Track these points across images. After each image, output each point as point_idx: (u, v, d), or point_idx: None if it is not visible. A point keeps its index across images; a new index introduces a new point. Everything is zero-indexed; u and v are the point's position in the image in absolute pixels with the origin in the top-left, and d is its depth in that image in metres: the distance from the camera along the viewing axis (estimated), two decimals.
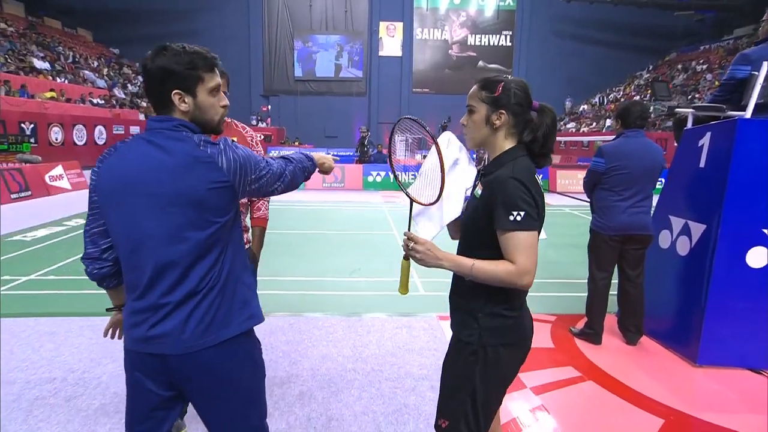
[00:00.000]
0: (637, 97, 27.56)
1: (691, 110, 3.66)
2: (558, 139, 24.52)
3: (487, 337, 1.52)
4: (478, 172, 1.64)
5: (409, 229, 1.59)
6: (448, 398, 1.61)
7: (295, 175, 1.58)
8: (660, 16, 29.31)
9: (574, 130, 26.76)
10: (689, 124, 3.65)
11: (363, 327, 3.86)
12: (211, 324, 1.40)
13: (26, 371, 3.03)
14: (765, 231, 3.16)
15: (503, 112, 1.50)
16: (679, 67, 27.46)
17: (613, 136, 3.55)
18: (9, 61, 17.40)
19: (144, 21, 28.06)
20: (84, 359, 3.20)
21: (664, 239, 3.66)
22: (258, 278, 5.03)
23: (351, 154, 22.64)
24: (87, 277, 1.54)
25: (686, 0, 27.14)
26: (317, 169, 1.78)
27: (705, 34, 28.94)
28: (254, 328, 1.53)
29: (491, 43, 31.56)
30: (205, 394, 1.47)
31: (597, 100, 29.95)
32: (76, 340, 3.49)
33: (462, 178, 1.76)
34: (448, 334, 3.62)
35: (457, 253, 1.58)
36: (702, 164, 3.35)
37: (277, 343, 3.54)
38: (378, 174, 13.69)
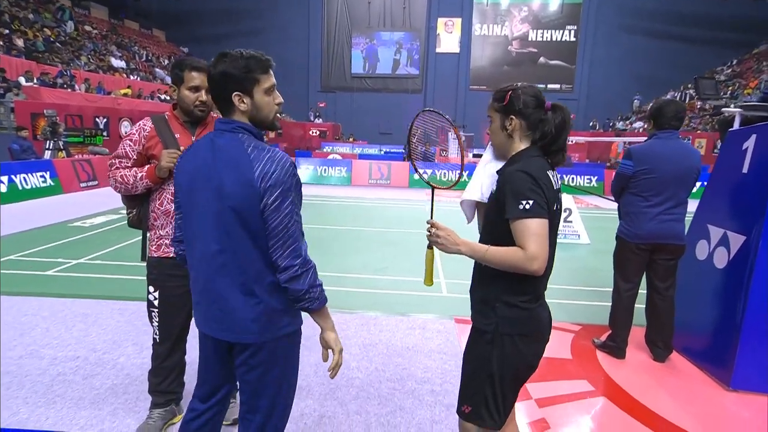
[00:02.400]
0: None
1: (738, 110, 3.34)
2: (621, 139, 23.36)
3: (504, 326, 1.61)
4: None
5: (431, 218, 1.72)
6: (468, 384, 1.72)
7: (313, 281, 1.54)
8: (746, 6, 26.97)
9: (641, 129, 25.23)
10: (736, 125, 3.33)
11: (376, 326, 3.85)
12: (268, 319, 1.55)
13: (55, 348, 3.26)
14: None
15: (513, 117, 1.61)
16: (766, 62, 25.13)
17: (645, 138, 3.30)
18: (91, 60, 18.86)
19: (211, 20, 29.51)
20: (108, 341, 3.41)
21: (702, 250, 3.36)
22: None
23: (402, 150, 22.66)
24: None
25: None
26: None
27: None
28: None
29: (554, 39, 30.38)
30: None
31: (670, 96, 28.05)
32: (105, 322, 3.72)
33: (490, 168, 1.83)
34: (462, 337, 3.56)
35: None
36: (745, 169, 3.05)
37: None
38: (424, 172, 13.57)
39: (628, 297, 3.29)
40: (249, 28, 29.41)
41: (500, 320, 1.61)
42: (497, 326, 1.61)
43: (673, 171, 3.04)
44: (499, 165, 1.72)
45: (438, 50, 30.29)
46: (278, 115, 1.62)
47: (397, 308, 4.25)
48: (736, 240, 3.03)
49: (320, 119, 27.77)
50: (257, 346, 1.54)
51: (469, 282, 1.78)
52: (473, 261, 1.69)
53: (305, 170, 13.71)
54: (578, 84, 30.75)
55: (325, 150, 21.00)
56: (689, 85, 27.78)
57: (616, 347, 3.36)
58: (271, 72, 1.52)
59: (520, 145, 1.65)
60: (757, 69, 25.12)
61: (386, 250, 6.39)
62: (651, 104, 25.64)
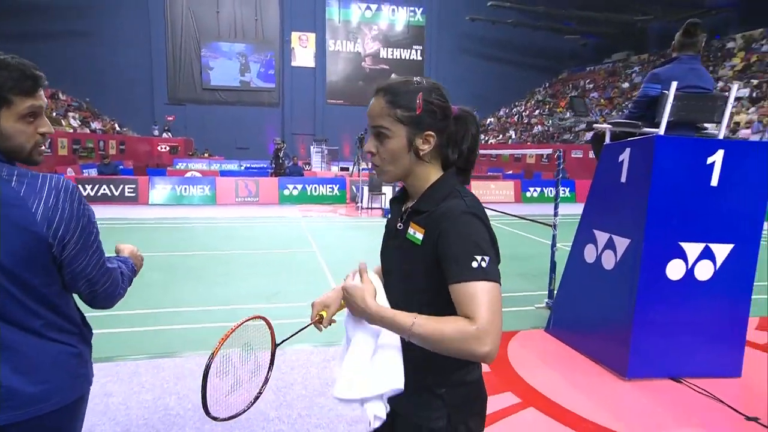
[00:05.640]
0: (537, 112, 29.71)
1: (608, 126, 3.75)
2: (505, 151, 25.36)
3: (456, 415, 1.19)
4: (406, 210, 1.25)
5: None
6: None
7: (123, 280, 1.37)
8: (552, 39, 31.96)
9: (483, 142, 28.07)
10: (607, 140, 3.73)
11: (286, 363, 3.47)
12: None
13: None
14: (681, 244, 3.26)
15: (431, 133, 1.17)
16: (570, 85, 30.01)
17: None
18: None
19: (18, 15, 24.90)
20: None
21: (590, 253, 3.69)
22: (160, 310, 4.47)
23: (265, 166, 21.87)
24: None
25: (572, 25, 29.97)
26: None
27: (589, 57, 32.13)
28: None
29: (403, 57, 32.33)
30: None
31: (502, 113, 31.75)
32: None
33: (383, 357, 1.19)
34: None
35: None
36: (623, 179, 3.41)
37: (185, 390, 3.04)
38: (294, 187, 13.18)
39: None
40: (73, 29, 25.74)
41: (452, 410, 1.19)
42: (449, 418, 1.18)
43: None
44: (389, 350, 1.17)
45: (294, 64, 30.07)
46: (40, 148, 1.21)
47: (301, 339, 3.89)
48: (622, 243, 3.37)
49: (169, 134, 25.41)
50: None
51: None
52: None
53: (162, 190, 12.29)
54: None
55: (178, 167, 19.24)
56: (516, 103, 31.86)
57: None
58: (39, 92, 1.16)
59: (433, 170, 1.22)
60: (563, 92, 29.86)
61: (274, 274, 5.94)
62: (489, 118, 28.50)
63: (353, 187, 13.38)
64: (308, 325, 1.36)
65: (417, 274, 1.17)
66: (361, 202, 12.06)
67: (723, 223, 3.29)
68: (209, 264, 6.37)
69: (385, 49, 31.97)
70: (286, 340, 1.35)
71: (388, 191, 11.98)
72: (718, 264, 3.32)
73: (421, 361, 1.17)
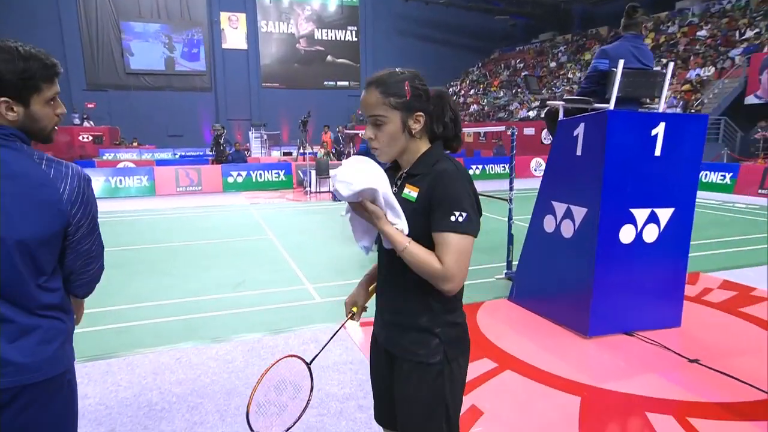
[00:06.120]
0: (472, 92, 30.49)
1: (561, 102, 3.97)
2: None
3: (451, 351, 1.40)
4: (401, 176, 1.44)
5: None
6: (424, 429, 1.44)
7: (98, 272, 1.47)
8: (483, 19, 32.73)
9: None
10: (561, 116, 3.96)
11: (265, 349, 3.46)
12: None
13: None
14: (632, 210, 3.56)
15: (420, 114, 1.36)
16: (502, 64, 30.97)
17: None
18: None
19: None
20: None
21: (549, 223, 3.93)
22: (120, 307, 4.28)
23: (201, 154, 20.98)
24: None
25: (501, 6, 30.83)
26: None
27: (519, 37, 33.23)
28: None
29: (338, 38, 31.81)
30: None
31: None
32: None
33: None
34: (360, 343, 3.44)
35: (386, 267, 1.46)
36: (579, 152, 3.65)
37: (166, 384, 2.97)
38: (239, 174, 12.79)
39: None
40: None
41: (447, 346, 1.39)
42: (445, 353, 1.39)
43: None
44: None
45: (225, 46, 28.76)
46: (56, 128, 1.36)
47: (276, 325, 3.90)
48: (579, 212, 3.62)
49: (90, 122, 23.63)
50: None
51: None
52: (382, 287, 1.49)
53: (94, 183, 11.26)
54: (363, 81, 32.88)
55: (106, 158, 18.02)
56: (452, 83, 32.47)
57: None
58: (57, 78, 1.30)
59: (422, 144, 1.41)
60: (495, 71, 30.80)
61: (236, 263, 5.81)
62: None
63: (299, 171, 13.19)
64: (343, 324, 1.58)
65: (411, 227, 1.35)
66: (310, 186, 11.94)
67: (665, 189, 3.62)
68: (165, 257, 6.12)
69: (320, 30, 31.30)
70: (318, 354, 1.57)
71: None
72: (662, 227, 3.66)
73: (414, 305, 1.40)
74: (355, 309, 1.61)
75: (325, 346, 1.56)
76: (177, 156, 19.79)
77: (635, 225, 3.58)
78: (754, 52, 16.23)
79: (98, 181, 11.48)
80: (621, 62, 3.56)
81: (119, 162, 14.82)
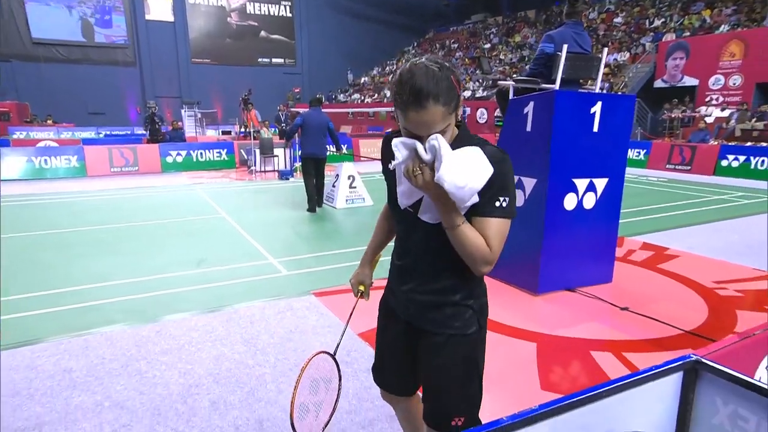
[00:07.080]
0: None
1: (511, 83, 4.32)
2: (347, 110, 25.83)
3: (482, 319, 1.48)
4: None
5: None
6: (461, 396, 1.49)
7: None
8: None
9: (359, 101, 28.43)
10: (511, 95, 4.32)
11: (243, 318, 3.59)
12: None
13: None
14: (574, 180, 4.01)
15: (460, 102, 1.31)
16: (437, 45, 31.51)
17: None
18: None
19: None
20: None
21: None
22: (84, 287, 4.20)
23: (130, 133, 19.80)
24: None
25: None
26: None
27: (452, 18, 33.77)
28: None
29: (272, 13, 30.86)
30: None
31: (376, 72, 32.31)
32: None
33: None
34: (334, 311, 3.66)
35: (419, 245, 1.42)
36: (528, 128, 4.03)
37: (152, 354, 3.04)
38: (179, 154, 12.30)
39: None
40: None
41: (479, 315, 1.46)
42: (478, 321, 1.46)
43: None
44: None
45: (148, 17, 26.99)
46: None
47: (248, 296, 4.01)
48: (530, 182, 4.02)
49: None
50: None
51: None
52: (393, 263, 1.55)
53: (14, 163, 10.45)
54: (299, 59, 32.25)
55: (16, 137, 16.54)
56: (388, 62, 32.63)
57: None
58: None
59: (453, 127, 1.32)
60: (430, 51, 31.28)
61: (193, 241, 5.76)
62: (363, 77, 29.01)
63: (242, 151, 12.92)
64: (355, 305, 1.74)
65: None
66: (255, 165, 11.76)
67: (601, 161, 4.10)
68: (113, 238, 5.92)
69: (252, 4, 30.16)
70: (339, 343, 1.67)
71: (280, 153, 11.84)
72: (598, 195, 4.15)
73: (452, 284, 1.42)
74: (362, 288, 1.73)
75: (344, 331, 1.69)
76: (102, 135, 18.54)
77: (577, 193, 4.04)
78: (660, 40, 17.83)
79: (19, 161, 10.60)
80: (565, 47, 3.95)
81: (38, 141, 13.71)
